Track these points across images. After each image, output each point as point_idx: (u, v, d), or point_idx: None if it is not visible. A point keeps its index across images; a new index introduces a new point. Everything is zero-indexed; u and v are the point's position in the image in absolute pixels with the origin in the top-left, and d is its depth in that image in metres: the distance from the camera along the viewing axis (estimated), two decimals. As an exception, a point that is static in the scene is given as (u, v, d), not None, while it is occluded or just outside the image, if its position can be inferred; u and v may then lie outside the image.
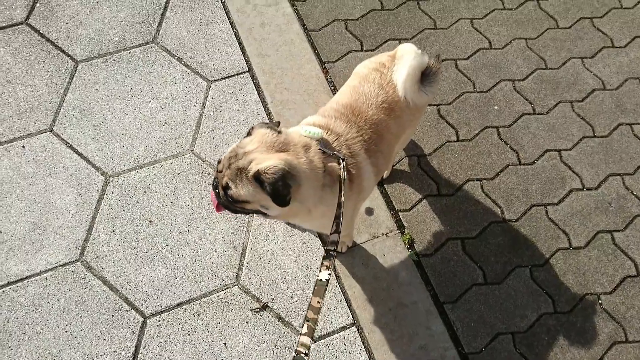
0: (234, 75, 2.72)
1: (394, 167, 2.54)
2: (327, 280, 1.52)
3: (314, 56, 2.82)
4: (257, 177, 1.49)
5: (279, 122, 1.70)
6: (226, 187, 1.56)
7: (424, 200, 2.48)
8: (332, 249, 1.58)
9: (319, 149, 1.65)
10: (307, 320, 1.45)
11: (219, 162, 1.61)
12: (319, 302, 1.49)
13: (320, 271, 1.54)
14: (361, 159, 1.79)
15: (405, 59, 1.85)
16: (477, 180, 2.56)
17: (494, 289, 2.33)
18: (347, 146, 1.77)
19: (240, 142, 1.60)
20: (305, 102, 2.67)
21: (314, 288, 1.51)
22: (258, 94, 2.68)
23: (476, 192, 2.53)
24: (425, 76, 1.90)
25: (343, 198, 1.64)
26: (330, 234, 1.61)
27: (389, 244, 2.36)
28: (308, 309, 1.48)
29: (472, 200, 2.51)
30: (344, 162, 1.67)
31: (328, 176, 1.65)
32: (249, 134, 1.64)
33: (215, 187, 1.64)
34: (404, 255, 2.34)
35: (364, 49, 2.88)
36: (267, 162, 1.49)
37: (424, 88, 1.92)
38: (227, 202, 1.61)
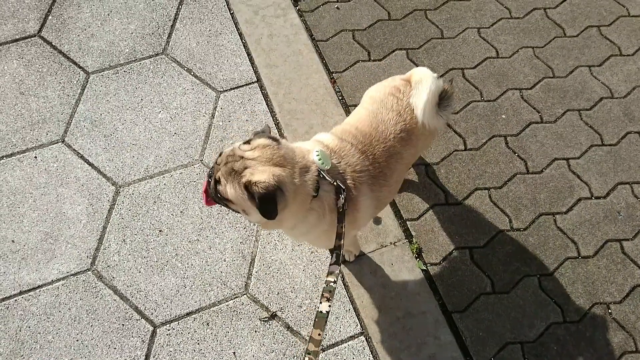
0: (242, 86, 2.75)
1: (402, 176, 2.56)
2: (328, 313, 1.53)
3: (322, 66, 2.84)
4: (247, 186, 1.51)
5: (275, 137, 1.68)
6: (217, 181, 1.59)
7: (432, 210, 2.49)
8: (332, 280, 1.59)
9: (317, 175, 1.64)
10: (308, 353, 1.45)
11: (220, 155, 1.64)
12: (319, 335, 1.50)
13: (321, 302, 1.55)
14: (362, 194, 1.77)
15: (424, 84, 1.84)
16: (485, 189, 2.56)
17: (502, 298, 2.33)
18: (353, 178, 1.75)
19: (242, 146, 1.62)
20: (313, 112, 2.69)
21: (315, 320, 1.51)
22: (266, 104, 2.71)
23: (484, 201, 2.53)
24: (441, 100, 1.91)
25: (344, 229, 1.65)
26: (330, 264, 1.62)
27: (397, 253, 2.37)
28: (309, 342, 1.48)
29: (480, 209, 2.51)
30: (344, 192, 1.67)
31: (318, 201, 1.66)
32: (248, 142, 1.64)
33: (209, 177, 1.67)
34: (412, 265, 2.35)
35: (372, 58, 2.90)
36: (261, 175, 1.51)
37: (441, 112, 1.92)
38: (214, 194, 1.64)
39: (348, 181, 1.73)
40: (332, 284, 1.58)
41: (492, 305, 2.31)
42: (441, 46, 2.98)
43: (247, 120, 2.65)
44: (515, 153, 2.67)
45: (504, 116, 2.78)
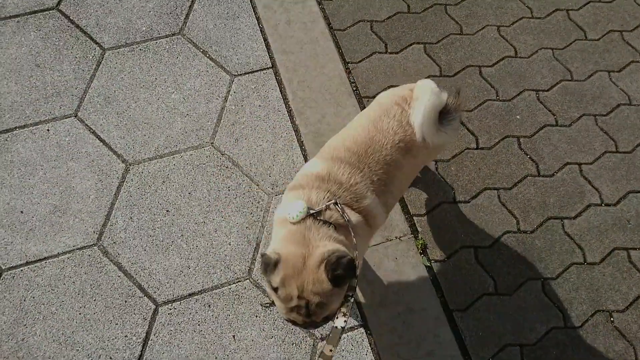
0: (257, 71, 2.74)
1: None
2: (343, 328, 1.51)
3: (338, 56, 2.82)
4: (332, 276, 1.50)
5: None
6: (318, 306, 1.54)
7: (440, 207, 2.48)
8: (350, 294, 1.56)
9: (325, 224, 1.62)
10: None
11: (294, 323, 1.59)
12: (331, 351, 1.47)
13: (337, 317, 1.52)
14: (369, 200, 1.74)
15: (421, 101, 1.78)
16: (495, 189, 2.54)
17: (504, 300, 2.32)
18: (352, 192, 1.72)
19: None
20: (326, 101, 2.68)
21: (328, 335, 1.48)
22: (280, 91, 2.70)
23: (493, 201, 2.51)
24: (443, 115, 1.84)
25: (356, 253, 1.63)
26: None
27: (401, 248, 2.36)
28: (319, 356, 1.46)
29: (488, 209, 2.49)
30: (339, 206, 1.66)
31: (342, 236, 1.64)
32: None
33: (308, 325, 1.60)
34: (416, 260, 2.34)
35: (388, 51, 2.88)
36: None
37: (443, 128, 1.84)
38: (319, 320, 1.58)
39: (348, 197, 1.71)
40: (349, 297, 1.55)
41: (494, 306, 2.30)
42: (459, 42, 2.94)
43: (260, 106, 2.65)
44: (527, 155, 2.65)
45: (518, 117, 2.75)
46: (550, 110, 2.78)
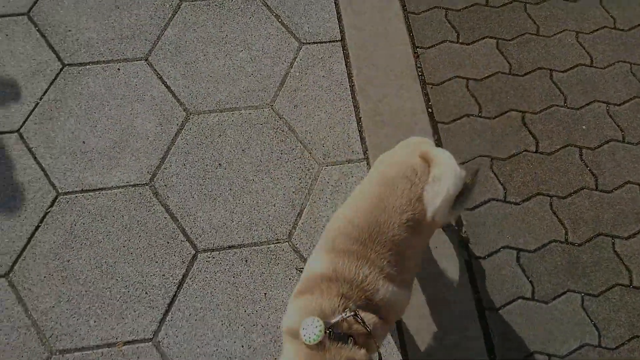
0: (325, 42, 2.75)
1: (465, 163, 2.51)
2: None
3: (408, 39, 2.79)
4: None
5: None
6: None
7: (489, 203, 2.44)
8: None
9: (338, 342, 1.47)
10: None
11: None
12: None
13: None
14: (383, 291, 1.57)
15: (443, 185, 1.56)
16: (548, 195, 2.48)
17: (540, 307, 2.27)
18: (364, 288, 1.55)
19: None
20: (390, 81, 2.66)
21: None
22: (345, 65, 2.70)
23: (544, 208, 2.45)
24: (459, 197, 1.63)
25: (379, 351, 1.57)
26: None
27: (443, 238, 2.34)
28: None
29: (538, 214, 2.44)
30: (358, 317, 1.50)
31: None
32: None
33: None
34: (455, 252, 2.32)
35: (460, 41, 2.83)
36: None
37: (455, 209, 1.65)
38: None
39: (360, 297, 1.55)
40: None
41: (529, 311, 2.26)
42: (534, 42, 2.86)
43: (323, 77, 2.66)
44: (587, 167, 2.56)
45: (584, 127, 2.66)
46: (618, 126, 2.68)
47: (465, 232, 2.37)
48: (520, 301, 2.27)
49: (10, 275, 2.20)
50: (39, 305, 2.15)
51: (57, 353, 2.08)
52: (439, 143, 2.55)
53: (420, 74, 2.72)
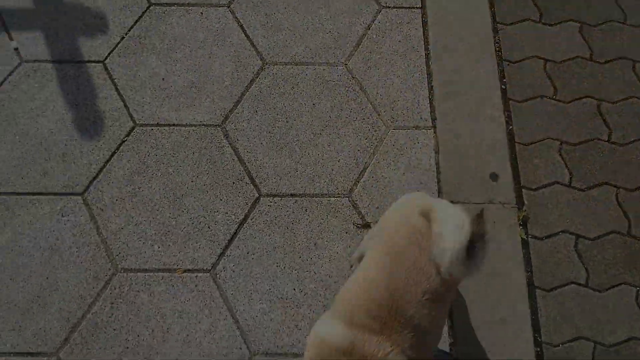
0: (406, 8, 2.74)
1: (530, 145, 2.48)
2: None
3: (489, 13, 2.75)
4: None
5: None
6: None
7: (553, 186, 2.41)
8: None
9: None
10: None
11: None
12: None
13: None
14: None
15: (447, 239, 1.45)
16: (615, 186, 2.43)
17: (592, 295, 2.25)
18: None
19: None
20: (466, 53, 2.64)
21: None
22: (423, 32, 2.69)
23: (609, 198, 2.41)
24: (470, 247, 1.46)
25: None
26: None
27: (502, 214, 2.34)
28: None
29: (602, 203, 2.39)
30: None
31: None
32: None
33: None
34: (513, 230, 2.32)
35: (542, 21, 2.76)
36: None
37: (474, 262, 1.48)
38: None
39: None
40: None
41: (580, 297, 2.24)
42: (620, 31, 2.77)
43: (399, 41, 2.66)
44: (660, 163, 2.50)
45: (662, 123, 2.58)
46: (699, 126, 2.58)
47: (525, 210, 2.36)
48: (573, 286, 2.26)
49: (85, 194, 2.34)
50: (110, 226, 2.29)
51: (122, 271, 2.21)
52: (508, 120, 2.53)
53: (497, 49, 2.68)
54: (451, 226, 1.46)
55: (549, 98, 2.59)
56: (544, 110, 2.57)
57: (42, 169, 2.37)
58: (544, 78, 2.64)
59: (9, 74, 2.54)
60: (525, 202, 2.39)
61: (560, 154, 2.49)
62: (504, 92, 2.60)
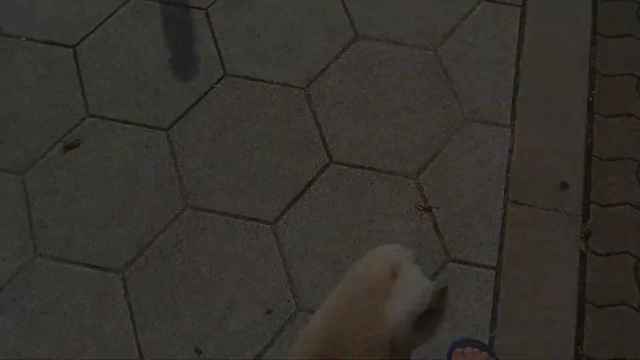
0: (506, 4, 2.72)
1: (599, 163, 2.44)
2: None
3: (590, 22, 2.70)
4: None
5: None
6: None
7: (623, 206, 2.38)
8: None
9: None
10: None
11: None
12: None
13: None
14: None
15: (404, 301, 1.35)
16: (689, 219, 2.37)
17: (643, 321, 2.23)
18: None
19: None
20: (557, 59, 2.61)
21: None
22: (518, 31, 2.67)
23: (680, 229, 2.36)
24: (426, 316, 1.38)
25: None
26: None
27: (565, 223, 2.33)
28: None
29: (672, 233, 2.35)
30: None
31: None
32: None
33: None
34: (574, 241, 2.30)
35: (644, 39, 2.69)
36: None
37: (421, 332, 1.39)
38: None
39: None
40: None
41: (630, 320, 2.22)
42: None
43: (493, 37, 2.65)
44: None
45: None
46: None
47: (590, 225, 2.34)
48: (624, 307, 2.24)
49: (169, 131, 2.49)
50: (187, 164, 2.43)
51: (191, 208, 2.36)
52: (589, 133, 2.50)
53: (592, 60, 2.63)
54: (413, 288, 1.39)
55: (637, 118, 2.53)
56: (629, 129, 2.52)
57: (135, 101, 2.54)
58: (635, 97, 2.57)
59: (118, 8, 2.72)
60: (592, 216, 2.37)
61: (637, 176, 2.44)
62: (590, 104, 2.55)
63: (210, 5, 2.71)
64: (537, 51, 2.62)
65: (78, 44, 2.69)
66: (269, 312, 2.19)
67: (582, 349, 2.19)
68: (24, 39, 2.70)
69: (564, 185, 2.39)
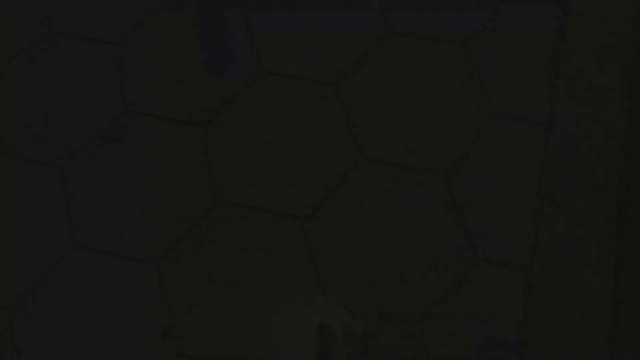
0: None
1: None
2: None
3: (633, 20, 2.63)
4: None
5: None
6: None
7: (661, 207, 2.32)
8: None
9: None
10: None
11: None
12: None
13: None
14: None
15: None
16: None
17: (679, 325, 2.18)
18: None
19: None
20: (597, 59, 2.55)
21: None
22: (559, 28, 2.63)
23: None
24: None
25: None
26: None
27: (599, 223, 2.28)
28: None
29: None
30: None
31: None
32: None
33: None
34: (607, 242, 2.25)
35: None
36: None
37: None
38: None
39: None
40: None
41: (665, 323, 2.18)
42: None
43: (530, 35, 2.62)
44: None
45: None
46: None
47: (625, 224, 2.29)
48: (660, 311, 2.20)
49: (207, 125, 2.55)
50: (220, 158, 2.48)
51: (223, 202, 2.40)
52: (629, 133, 2.43)
53: (635, 58, 2.57)
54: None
55: (677, 116, 2.47)
56: (668, 128, 2.45)
57: (172, 96, 2.61)
58: (675, 94, 2.50)
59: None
60: (627, 216, 2.32)
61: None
62: (632, 104, 2.49)
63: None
64: (577, 48, 2.56)
65: (121, 40, 2.79)
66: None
67: (614, 349, 2.16)
68: (68, 34, 2.81)
69: (600, 185, 2.34)
